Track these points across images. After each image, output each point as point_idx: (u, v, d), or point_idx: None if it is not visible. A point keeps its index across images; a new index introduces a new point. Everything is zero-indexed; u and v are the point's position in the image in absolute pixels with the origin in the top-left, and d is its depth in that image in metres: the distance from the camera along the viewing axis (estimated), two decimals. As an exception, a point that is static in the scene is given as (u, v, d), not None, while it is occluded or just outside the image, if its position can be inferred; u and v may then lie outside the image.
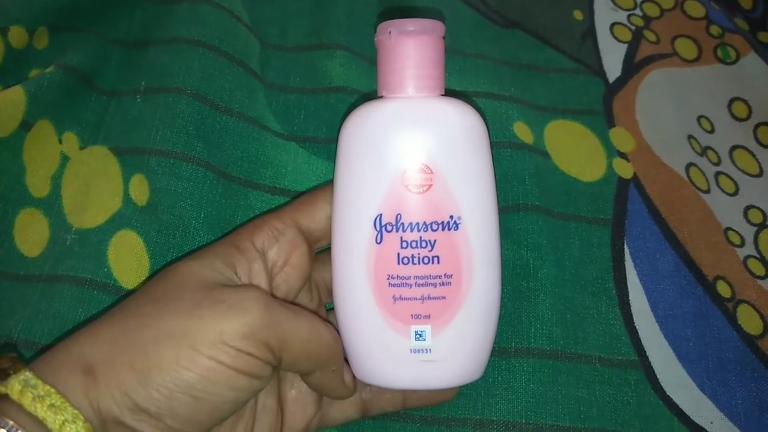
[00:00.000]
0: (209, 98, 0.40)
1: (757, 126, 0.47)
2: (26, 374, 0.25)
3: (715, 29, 0.50)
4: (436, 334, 0.30)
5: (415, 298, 0.30)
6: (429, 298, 0.30)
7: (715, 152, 0.46)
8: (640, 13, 0.51)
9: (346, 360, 0.32)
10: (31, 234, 0.38)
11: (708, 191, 0.44)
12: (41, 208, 0.39)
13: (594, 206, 0.42)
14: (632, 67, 0.48)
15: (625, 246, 0.41)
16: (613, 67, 0.48)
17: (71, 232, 0.37)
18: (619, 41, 0.49)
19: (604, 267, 0.40)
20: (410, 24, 0.30)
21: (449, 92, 0.32)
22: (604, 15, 0.50)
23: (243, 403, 0.29)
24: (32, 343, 0.34)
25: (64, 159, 0.40)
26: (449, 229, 0.30)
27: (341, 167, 0.31)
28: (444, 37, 0.31)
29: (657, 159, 0.44)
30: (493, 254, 0.31)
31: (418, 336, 0.30)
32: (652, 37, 0.49)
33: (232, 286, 0.29)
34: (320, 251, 0.34)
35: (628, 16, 0.50)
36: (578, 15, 0.50)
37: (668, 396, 0.37)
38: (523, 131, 0.43)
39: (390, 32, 0.30)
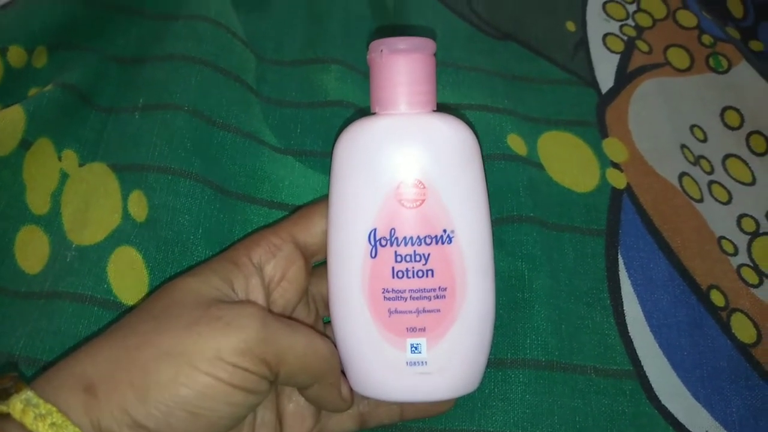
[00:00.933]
0: (206, 114, 0.40)
1: (749, 134, 0.47)
2: (28, 393, 0.26)
3: (707, 38, 0.51)
4: (432, 346, 0.31)
5: (410, 312, 0.31)
6: (424, 311, 0.31)
7: (708, 161, 0.46)
8: (633, 24, 0.51)
9: (343, 373, 0.32)
10: (32, 251, 0.38)
11: (701, 200, 0.44)
12: (41, 226, 0.39)
13: (588, 217, 0.42)
14: (625, 77, 0.48)
15: (619, 256, 0.41)
16: (605, 78, 0.48)
17: (71, 249, 0.37)
18: (612, 52, 0.49)
19: (598, 277, 0.40)
20: (401, 42, 0.31)
21: (442, 105, 0.32)
22: (597, 26, 0.51)
23: (241, 418, 0.29)
24: (33, 360, 0.34)
25: (64, 176, 0.40)
26: (443, 243, 0.30)
27: (336, 183, 0.32)
28: (435, 54, 0.32)
29: (650, 169, 0.44)
30: (486, 266, 0.32)
31: (413, 349, 0.31)
32: (644, 47, 0.50)
33: (229, 303, 0.30)
34: (317, 265, 0.35)
35: (621, 27, 0.51)
36: (571, 26, 0.51)
37: (663, 405, 0.37)
38: (516, 143, 0.43)
39: (382, 50, 0.31)
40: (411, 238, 0.30)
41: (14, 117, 0.39)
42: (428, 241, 0.30)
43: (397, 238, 0.30)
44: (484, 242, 0.31)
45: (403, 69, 0.31)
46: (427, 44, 0.31)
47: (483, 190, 0.32)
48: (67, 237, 0.38)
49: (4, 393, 0.26)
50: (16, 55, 0.41)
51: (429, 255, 0.30)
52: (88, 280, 0.36)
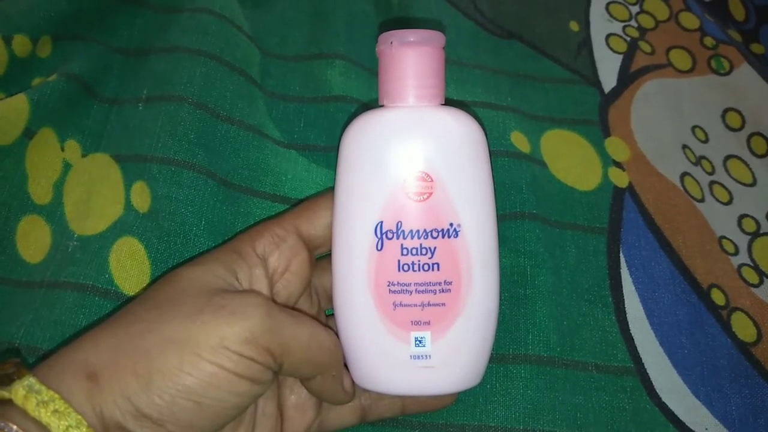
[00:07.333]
0: (210, 107, 0.40)
1: (750, 136, 0.48)
2: (30, 380, 0.25)
3: (709, 41, 0.51)
4: (436, 340, 0.31)
5: (415, 305, 0.31)
6: (429, 304, 0.31)
7: (710, 162, 0.46)
8: (636, 25, 0.51)
9: (346, 366, 0.32)
10: (33, 240, 0.38)
11: (702, 200, 0.44)
12: (43, 215, 0.39)
13: (590, 215, 0.42)
14: (627, 77, 0.48)
15: (621, 254, 0.41)
16: (608, 78, 0.48)
17: (73, 239, 0.37)
18: (615, 52, 0.50)
19: (600, 275, 0.40)
20: (411, 35, 0.31)
21: (448, 102, 0.32)
22: (600, 26, 0.51)
23: (244, 408, 0.29)
24: (34, 349, 0.34)
25: (66, 166, 0.40)
26: (449, 237, 0.30)
27: (342, 175, 0.32)
28: (444, 48, 0.32)
29: (652, 168, 0.45)
30: (491, 261, 0.32)
31: (417, 342, 0.31)
32: (647, 48, 0.50)
33: (233, 292, 0.30)
34: (320, 257, 0.35)
35: (624, 28, 0.51)
36: (574, 26, 0.51)
37: (663, 402, 0.38)
38: (520, 141, 0.43)
39: (391, 42, 0.31)
40: (417, 231, 0.30)
41: (18, 106, 0.39)
42: (434, 234, 0.30)
43: (403, 231, 0.30)
44: (490, 237, 0.32)
45: (412, 62, 0.31)
46: (437, 37, 0.31)
47: (490, 184, 0.32)
48: (69, 227, 0.38)
49: (6, 378, 0.26)
50: (20, 44, 0.40)
51: (435, 248, 0.30)
52: (90, 270, 0.36)
